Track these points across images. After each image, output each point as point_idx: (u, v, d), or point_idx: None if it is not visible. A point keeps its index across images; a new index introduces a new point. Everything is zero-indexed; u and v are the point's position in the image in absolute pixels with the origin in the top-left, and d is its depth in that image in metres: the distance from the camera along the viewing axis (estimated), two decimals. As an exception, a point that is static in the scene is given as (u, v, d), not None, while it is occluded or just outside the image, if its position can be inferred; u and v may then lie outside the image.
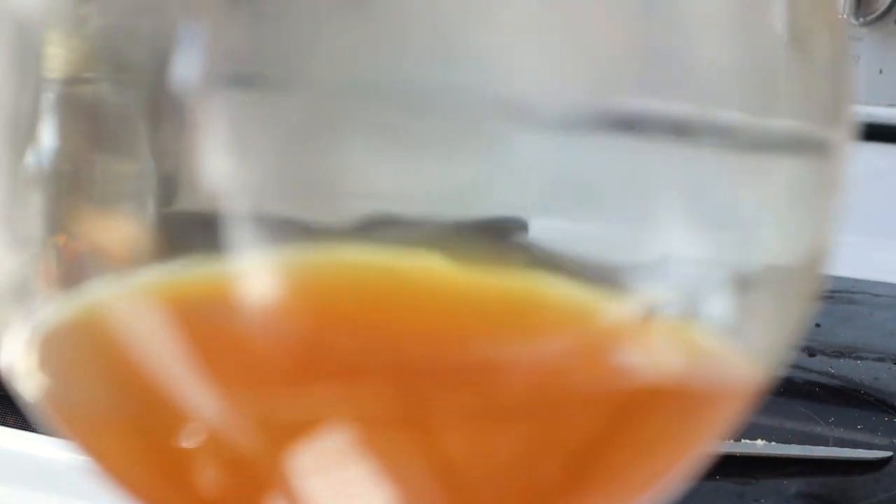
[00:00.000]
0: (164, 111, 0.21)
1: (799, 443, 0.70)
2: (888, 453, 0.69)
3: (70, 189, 0.22)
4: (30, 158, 0.22)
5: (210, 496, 0.22)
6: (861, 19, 1.13)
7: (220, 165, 0.20)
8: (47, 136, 0.22)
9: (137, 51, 0.21)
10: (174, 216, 0.21)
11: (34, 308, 0.23)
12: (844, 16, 1.11)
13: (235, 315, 0.20)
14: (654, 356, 0.22)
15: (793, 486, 0.68)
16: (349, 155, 0.21)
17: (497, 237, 0.21)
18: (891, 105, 1.12)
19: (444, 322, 0.21)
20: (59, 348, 0.24)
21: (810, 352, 0.84)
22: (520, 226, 0.21)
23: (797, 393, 0.80)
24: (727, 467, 0.68)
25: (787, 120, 0.22)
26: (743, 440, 0.69)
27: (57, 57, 0.22)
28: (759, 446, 0.69)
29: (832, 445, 0.70)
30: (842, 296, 0.94)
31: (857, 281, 0.95)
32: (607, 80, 0.21)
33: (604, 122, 0.21)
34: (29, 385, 0.25)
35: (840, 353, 0.84)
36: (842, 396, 0.80)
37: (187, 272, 0.21)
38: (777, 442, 0.69)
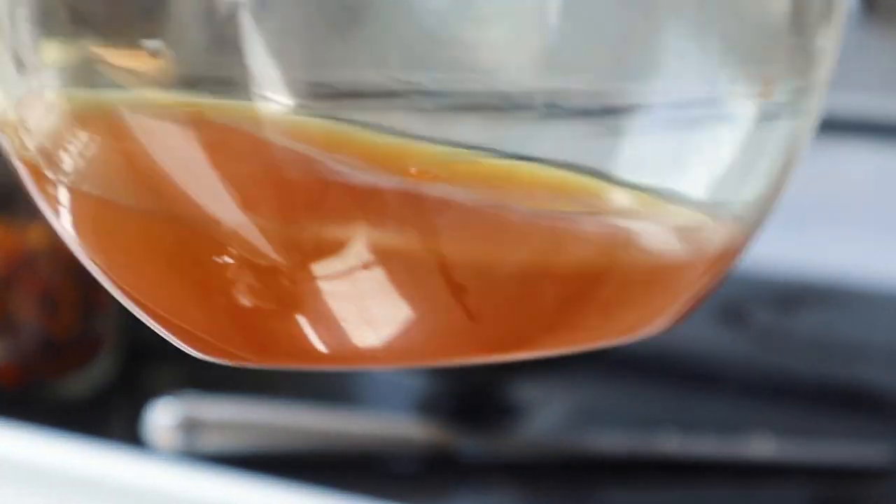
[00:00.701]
0: None
1: (805, 448, 0.69)
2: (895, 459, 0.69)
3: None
4: None
5: (234, 310, 0.25)
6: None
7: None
8: None
9: None
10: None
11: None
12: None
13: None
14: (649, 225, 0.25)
15: (797, 492, 0.68)
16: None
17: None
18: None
19: (463, 167, 0.23)
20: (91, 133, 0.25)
21: (815, 355, 0.84)
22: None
23: (803, 397, 0.80)
24: (733, 474, 0.68)
25: None
26: (747, 445, 0.69)
27: None
28: (763, 452, 0.69)
29: (839, 451, 0.69)
30: (846, 296, 0.94)
31: (866, 282, 0.95)
32: None
33: None
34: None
35: (849, 355, 0.84)
36: (850, 401, 0.80)
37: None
38: (783, 448, 0.69)
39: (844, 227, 0.98)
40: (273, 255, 0.23)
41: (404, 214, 0.23)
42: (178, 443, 0.67)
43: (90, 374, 0.76)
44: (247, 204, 0.23)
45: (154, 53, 0.23)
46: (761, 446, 0.69)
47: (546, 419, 0.77)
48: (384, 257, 0.23)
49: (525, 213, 0.24)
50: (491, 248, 0.24)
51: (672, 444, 0.69)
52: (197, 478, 0.66)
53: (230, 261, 0.24)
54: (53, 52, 0.25)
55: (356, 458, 0.68)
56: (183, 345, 0.28)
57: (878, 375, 0.82)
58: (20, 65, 0.25)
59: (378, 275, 0.24)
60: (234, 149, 0.23)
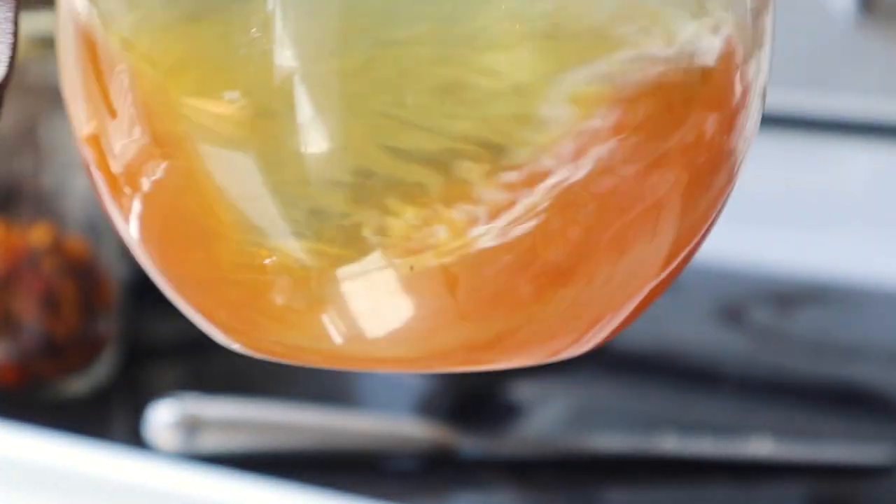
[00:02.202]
0: None
1: (804, 448, 0.69)
2: (894, 458, 0.69)
3: None
4: None
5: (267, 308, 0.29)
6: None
7: None
8: None
9: None
10: None
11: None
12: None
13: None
14: None
15: (796, 491, 0.68)
16: None
17: None
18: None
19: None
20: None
21: (813, 355, 0.84)
22: None
23: (802, 396, 0.80)
24: (731, 473, 0.68)
25: None
26: (746, 444, 0.69)
27: None
28: (762, 451, 0.69)
29: (837, 450, 0.69)
30: (844, 296, 0.94)
31: (863, 281, 0.95)
32: None
33: None
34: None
35: (847, 355, 0.84)
36: (848, 400, 0.80)
37: None
38: (781, 447, 0.69)
39: (842, 227, 0.98)
40: (305, 261, 0.28)
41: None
42: (178, 443, 0.67)
43: (90, 374, 0.76)
44: (288, 219, 0.28)
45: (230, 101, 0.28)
46: (759, 446, 0.69)
47: (546, 419, 0.77)
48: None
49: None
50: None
51: (671, 443, 0.69)
52: (197, 478, 0.66)
53: (269, 262, 0.29)
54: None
55: (356, 458, 0.68)
56: (224, 339, 0.33)
57: (876, 375, 0.82)
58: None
59: (386, 278, 0.28)
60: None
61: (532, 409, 0.79)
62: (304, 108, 0.27)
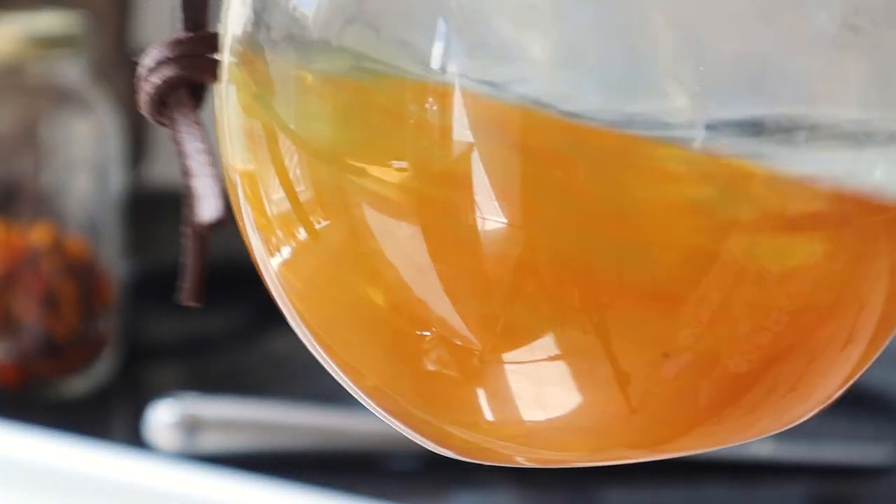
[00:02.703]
0: None
1: (804, 448, 0.69)
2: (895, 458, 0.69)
3: None
4: None
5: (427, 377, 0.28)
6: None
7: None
8: None
9: None
10: None
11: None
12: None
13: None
14: None
15: (796, 491, 0.68)
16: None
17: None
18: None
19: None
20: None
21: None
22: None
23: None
24: (731, 473, 0.68)
25: None
26: (744, 445, 0.69)
27: None
28: (762, 451, 0.69)
29: (837, 450, 0.69)
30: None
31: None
32: None
33: None
34: None
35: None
36: (848, 400, 0.80)
37: None
38: (781, 447, 0.69)
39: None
40: (468, 337, 0.27)
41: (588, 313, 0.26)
42: (178, 443, 0.67)
43: (90, 374, 0.76)
44: (452, 293, 0.27)
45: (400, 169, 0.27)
46: (760, 445, 0.69)
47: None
48: (566, 352, 0.27)
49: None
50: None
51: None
52: (197, 478, 0.66)
53: (428, 335, 0.28)
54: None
55: (356, 458, 0.68)
56: (371, 404, 0.32)
57: (876, 375, 0.82)
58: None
59: (556, 365, 0.27)
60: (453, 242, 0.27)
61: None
62: (480, 185, 0.26)
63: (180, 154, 0.29)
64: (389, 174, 0.27)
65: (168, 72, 0.29)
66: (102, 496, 0.68)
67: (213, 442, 0.67)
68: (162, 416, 0.67)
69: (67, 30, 0.75)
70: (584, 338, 0.26)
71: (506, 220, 0.26)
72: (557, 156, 0.26)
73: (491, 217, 0.26)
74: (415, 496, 0.66)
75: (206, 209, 0.28)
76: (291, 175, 0.28)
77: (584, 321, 0.26)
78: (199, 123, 0.29)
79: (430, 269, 0.27)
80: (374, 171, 0.27)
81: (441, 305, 0.27)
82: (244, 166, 0.29)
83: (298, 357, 0.86)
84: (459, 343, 0.27)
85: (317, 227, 0.28)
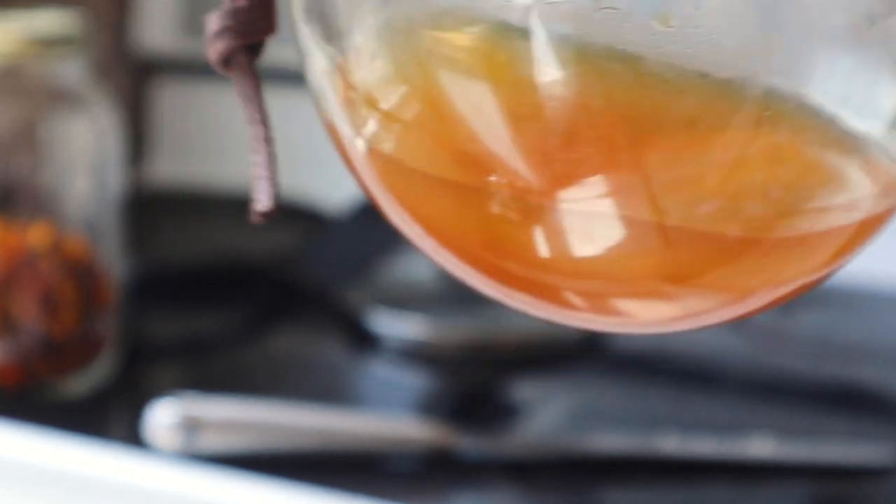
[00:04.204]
0: None
1: (804, 448, 0.69)
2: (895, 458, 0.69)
3: None
4: None
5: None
6: None
7: None
8: None
9: None
10: None
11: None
12: None
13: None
14: None
15: (797, 492, 0.68)
16: None
17: None
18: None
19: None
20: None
21: (814, 355, 0.84)
22: None
23: (803, 396, 0.80)
24: (732, 473, 0.68)
25: None
26: (746, 445, 0.69)
27: None
28: (763, 452, 0.69)
29: (838, 450, 0.69)
30: (849, 297, 0.94)
31: (864, 282, 0.95)
32: None
33: None
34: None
35: (848, 355, 0.84)
36: (848, 400, 0.80)
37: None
38: (782, 447, 0.69)
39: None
40: (529, 179, 0.30)
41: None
42: (178, 443, 0.67)
43: (90, 374, 0.76)
44: (516, 140, 0.30)
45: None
46: (761, 446, 0.69)
47: (546, 419, 0.77)
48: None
49: None
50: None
51: (672, 444, 0.69)
52: (197, 478, 0.66)
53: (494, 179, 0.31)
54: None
55: (356, 458, 0.68)
56: (432, 245, 0.34)
57: (877, 376, 0.82)
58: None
59: (605, 202, 0.30)
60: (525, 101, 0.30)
61: (532, 409, 0.79)
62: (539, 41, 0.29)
63: (244, 111, 0.35)
64: (462, 39, 0.30)
65: (229, 39, 0.34)
66: (102, 496, 0.68)
67: (213, 442, 0.67)
68: (161, 416, 0.67)
69: (67, 30, 0.75)
70: (629, 177, 0.30)
71: (560, 72, 0.29)
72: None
73: (548, 70, 0.29)
74: (415, 496, 0.66)
75: (263, 197, 0.33)
76: (373, 49, 0.32)
77: (630, 160, 0.29)
78: (256, 83, 0.35)
79: (498, 119, 0.30)
80: (450, 37, 0.30)
81: (506, 152, 0.30)
82: (324, 62, 0.33)
83: (298, 357, 0.86)
84: (521, 185, 0.30)
85: (398, 96, 0.31)
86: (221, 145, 1.16)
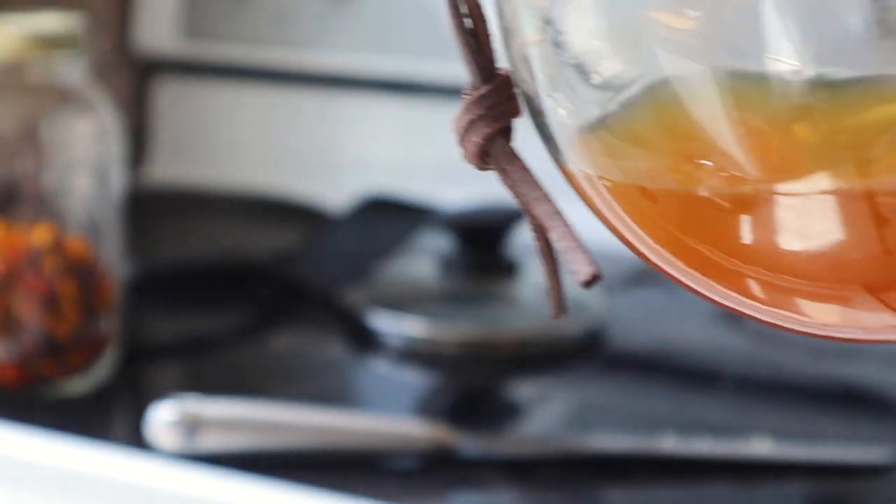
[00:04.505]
0: None
1: (803, 448, 0.69)
2: (894, 458, 0.69)
3: None
4: None
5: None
6: None
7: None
8: None
9: None
10: None
11: None
12: None
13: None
14: None
15: (796, 491, 0.68)
16: None
17: None
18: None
19: None
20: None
21: (816, 354, 0.84)
22: None
23: (802, 396, 0.80)
24: (731, 473, 0.68)
25: None
26: (746, 444, 0.69)
27: None
28: (762, 451, 0.69)
29: (837, 450, 0.69)
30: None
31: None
32: None
33: None
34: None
35: (847, 355, 0.84)
36: (848, 400, 0.80)
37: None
38: (781, 447, 0.69)
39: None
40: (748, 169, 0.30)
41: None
42: (178, 443, 0.67)
43: (91, 373, 0.76)
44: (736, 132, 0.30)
45: None
46: (759, 445, 0.69)
47: (546, 419, 0.77)
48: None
49: None
50: None
51: (671, 443, 0.69)
52: (197, 478, 0.66)
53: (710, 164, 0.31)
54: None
55: (356, 458, 0.68)
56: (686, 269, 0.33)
57: (876, 375, 0.82)
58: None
59: (823, 199, 0.30)
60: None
61: (532, 409, 0.79)
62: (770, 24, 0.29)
63: (516, 196, 0.34)
64: (687, 21, 0.30)
65: (483, 128, 0.34)
66: (102, 496, 0.68)
67: (213, 442, 0.67)
68: (162, 416, 0.67)
69: (67, 30, 0.75)
70: (851, 177, 0.29)
71: (795, 65, 0.29)
72: None
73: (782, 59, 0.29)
74: (415, 496, 0.66)
75: (581, 266, 0.32)
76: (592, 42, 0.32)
77: (854, 160, 0.29)
78: (523, 164, 0.34)
79: (725, 117, 0.30)
80: (675, 19, 0.30)
81: (727, 143, 0.30)
82: (533, 36, 0.33)
83: (298, 357, 0.86)
84: (738, 174, 0.30)
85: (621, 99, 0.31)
86: (221, 145, 1.16)
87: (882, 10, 0.29)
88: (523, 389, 0.83)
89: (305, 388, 0.79)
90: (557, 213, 0.33)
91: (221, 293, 0.92)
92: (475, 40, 0.34)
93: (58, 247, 0.75)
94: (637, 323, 0.89)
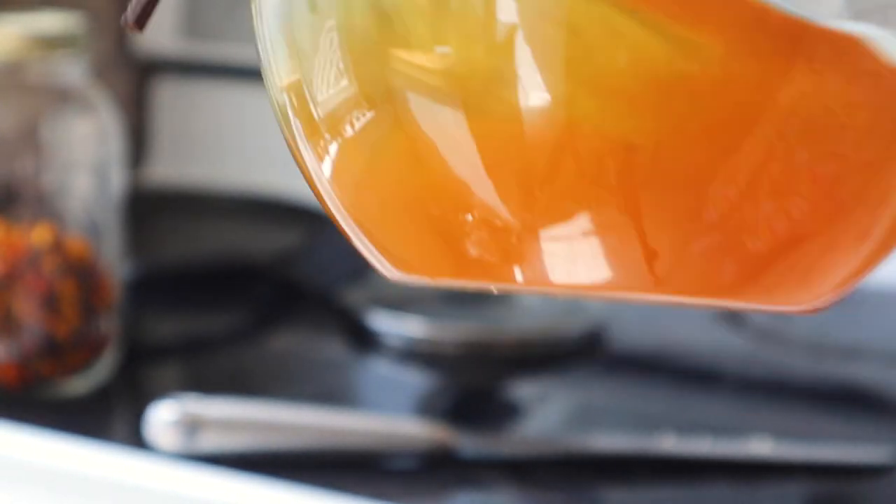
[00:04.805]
0: None
1: (803, 448, 0.69)
2: (894, 458, 0.69)
3: None
4: None
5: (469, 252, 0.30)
6: None
7: None
8: None
9: None
10: None
11: None
12: None
13: None
14: None
15: (796, 491, 0.68)
16: None
17: None
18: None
19: None
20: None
21: (813, 354, 0.84)
22: None
23: (802, 396, 0.80)
24: (731, 473, 0.68)
25: None
26: (746, 444, 0.69)
27: None
28: (762, 451, 0.69)
29: (837, 450, 0.69)
30: (847, 297, 0.94)
31: (863, 281, 0.95)
32: None
33: None
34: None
35: (847, 355, 0.84)
36: (848, 400, 0.80)
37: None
38: (781, 447, 0.69)
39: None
40: (507, 217, 0.29)
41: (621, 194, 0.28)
42: (178, 443, 0.67)
43: (91, 373, 0.76)
44: (493, 175, 0.29)
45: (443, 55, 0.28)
46: (759, 445, 0.69)
47: (546, 419, 0.77)
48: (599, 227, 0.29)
49: None
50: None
51: (671, 443, 0.69)
52: (197, 478, 0.66)
53: (470, 218, 0.29)
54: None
55: (356, 458, 0.68)
56: (394, 272, 0.32)
57: (876, 375, 0.82)
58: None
59: (590, 240, 0.29)
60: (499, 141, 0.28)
61: (532, 409, 0.79)
62: (524, 66, 0.27)
63: None
64: (433, 60, 0.28)
65: None
66: (102, 496, 0.68)
67: (213, 442, 0.67)
68: (162, 416, 0.67)
69: (67, 30, 0.75)
70: (617, 216, 0.28)
71: (548, 97, 0.27)
72: (604, 32, 0.27)
73: (534, 94, 0.27)
74: (415, 496, 0.66)
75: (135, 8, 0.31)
76: (335, 70, 0.30)
77: (619, 199, 0.28)
78: None
79: (472, 151, 0.29)
80: (419, 58, 0.29)
81: (483, 187, 0.29)
82: (289, 79, 0.31)
83: (298, 357, 0.86)
84: (499, 223, 0.29)
85: (362, 120, 0.30)
86: (221, 145, 1.16)
87: None
88: (523, 389, 0.83)
89: (305, 388, 0.79)
90: None
91: (221, 293, 0.92)
92: None
93: (58, 247, 0.75)
94: (637, 323, 0.89)
